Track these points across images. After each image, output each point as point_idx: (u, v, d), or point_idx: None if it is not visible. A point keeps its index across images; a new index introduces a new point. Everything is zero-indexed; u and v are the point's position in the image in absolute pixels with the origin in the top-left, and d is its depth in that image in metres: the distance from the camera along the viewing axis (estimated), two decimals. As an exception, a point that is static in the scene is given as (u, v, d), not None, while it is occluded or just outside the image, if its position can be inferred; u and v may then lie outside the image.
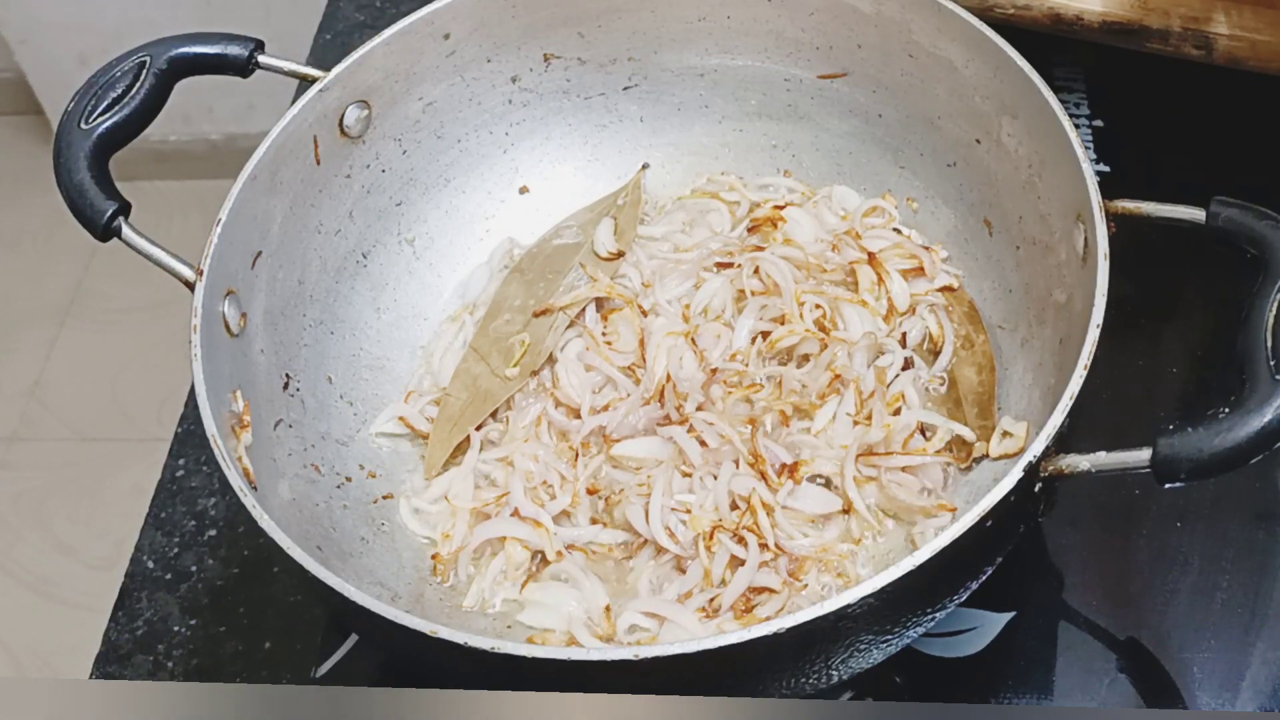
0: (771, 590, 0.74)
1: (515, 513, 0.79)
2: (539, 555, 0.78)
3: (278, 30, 0.83)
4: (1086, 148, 0.80)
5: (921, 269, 0.87)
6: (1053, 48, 0.93)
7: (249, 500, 0.66)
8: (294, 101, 0.84)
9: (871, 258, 0.87)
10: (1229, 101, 0.96)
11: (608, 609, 0.75)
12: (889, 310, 0.86)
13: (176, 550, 0.87)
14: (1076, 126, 0.75)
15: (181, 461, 0.91)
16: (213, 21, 0.87)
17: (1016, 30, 0.80)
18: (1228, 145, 0.97)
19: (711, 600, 0.74)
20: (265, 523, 0.65)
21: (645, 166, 0.96)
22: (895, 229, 0.90)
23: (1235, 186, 0.71)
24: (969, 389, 0.82)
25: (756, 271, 0.87)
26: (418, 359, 0.89)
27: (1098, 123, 1.00)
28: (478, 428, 0.84)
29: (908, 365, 0.83)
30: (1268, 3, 0.89)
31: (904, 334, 0.85)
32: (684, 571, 0.75)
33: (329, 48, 1.16)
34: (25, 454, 2.00)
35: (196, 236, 0.77)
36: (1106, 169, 0.97)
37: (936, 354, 0.84)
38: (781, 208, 0.91)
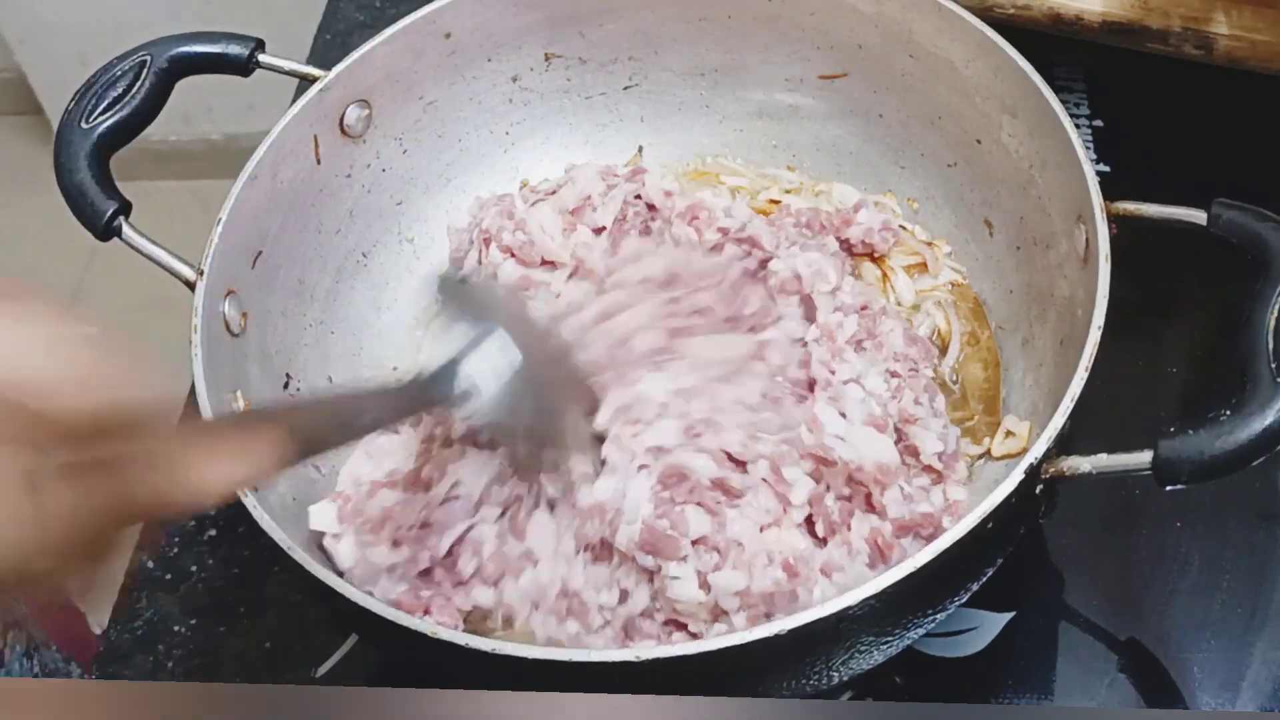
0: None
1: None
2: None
3: (278, 30, 0.83)
4: (1086, 148, 0.80)
5: (925, 265, 0.87)
6: (1053, 48, 0.93)
7: (249, 500, 0.65)
8: (294, 101, 0.84)
9: (875, 257, 0.87)
10: (1229, 101, 0.96)
11: None
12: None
13: (176, 550, 0.87)
14: (1076, 126, 0.75)
15: (181, 461, 0.91)
16: (212, 21, 0.86)
17: (1016, 30, 0.80)
18: (1228, 145, 0.97)
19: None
20: (265, 522, 0.65)
21: (640, 150, 0.96)
22: (902, 225, 0.90)
23: (1235, 187, 0.71)
24: (975, 386, 0.82)
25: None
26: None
27: (1098, 123, 1.00)
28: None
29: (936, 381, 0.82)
30: (1268, 3, 0.89)
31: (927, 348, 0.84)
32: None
33: (329, 48, 1.16)
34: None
35: (197, 237, 0.77)
36: (1106, 169, 0.97)
37: (944, 350, 0.84)
38: (776, 203, 0.91)
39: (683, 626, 0.70)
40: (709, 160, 0.96)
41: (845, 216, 0.86)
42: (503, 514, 0.74)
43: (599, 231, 0.86)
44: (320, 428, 0.60)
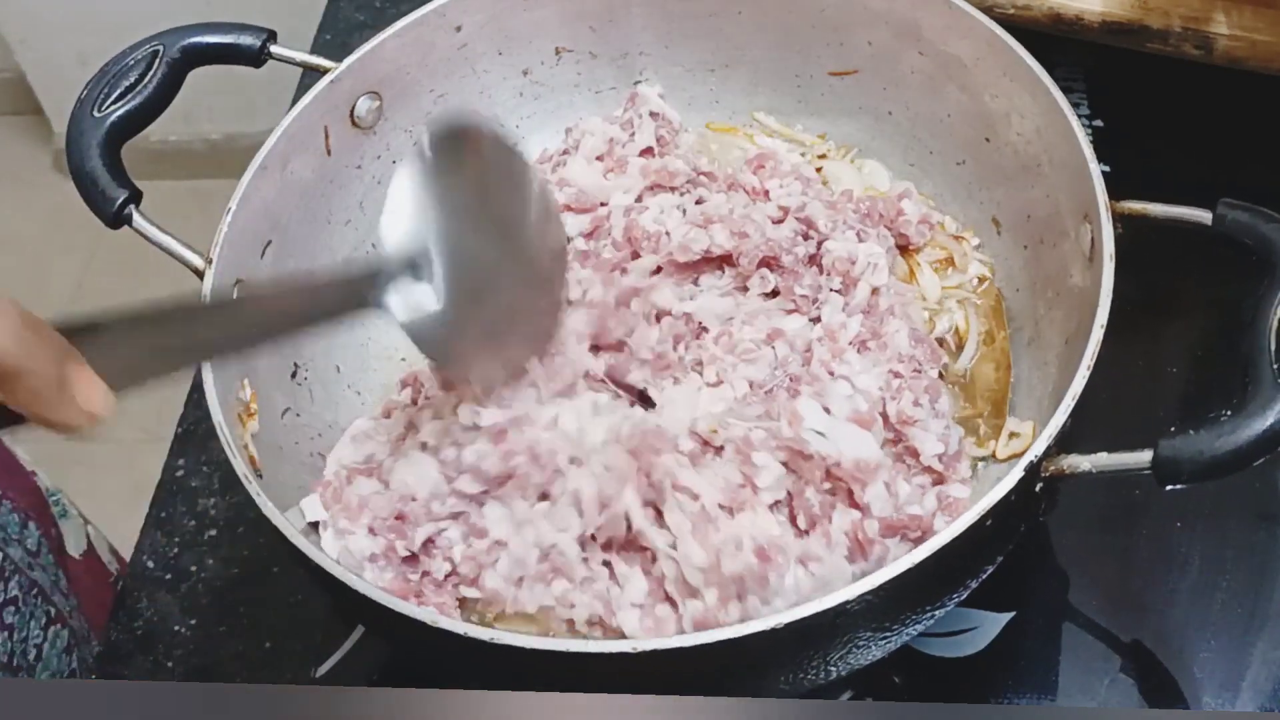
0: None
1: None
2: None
3: (278, 31, 0.83)
4: (1088, 147, 0.80)
5: (951, 260, 0.87)
6: (1053, 48, 0.93)
7: (253, 488, 0.66)
8: (298, 97, 0.84)
9: (905, 250, 0.87)
10: (1229, 101, 0.97)
11: None
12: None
13: (176, 550, 0.87)
14: (1076, 127, 0.75)
15: (181, 461, 0.91)
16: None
17: (1016, 30, 0.80)
18: (1228, 145, 0.98)
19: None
20: (269, 510, 0.65)
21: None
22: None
23: (1235, 187, 0.71)
24: (985, 386, 0.81)
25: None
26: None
27: (1098, 123, 1.00)
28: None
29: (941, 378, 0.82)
30: (1268, 3, 0.89)
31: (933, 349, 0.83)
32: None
33: (329, 48, 1.16)
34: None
35: (197, 236, 0.77)
36: (1106, 169, 0.97)
37: (960, 348, 0.83)
38: (823, 155, 0.93)
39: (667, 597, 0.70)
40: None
41: (897, 207, 0.86)
42: (456, 519, 0.74)
43: (646, 153, 0.89)
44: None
